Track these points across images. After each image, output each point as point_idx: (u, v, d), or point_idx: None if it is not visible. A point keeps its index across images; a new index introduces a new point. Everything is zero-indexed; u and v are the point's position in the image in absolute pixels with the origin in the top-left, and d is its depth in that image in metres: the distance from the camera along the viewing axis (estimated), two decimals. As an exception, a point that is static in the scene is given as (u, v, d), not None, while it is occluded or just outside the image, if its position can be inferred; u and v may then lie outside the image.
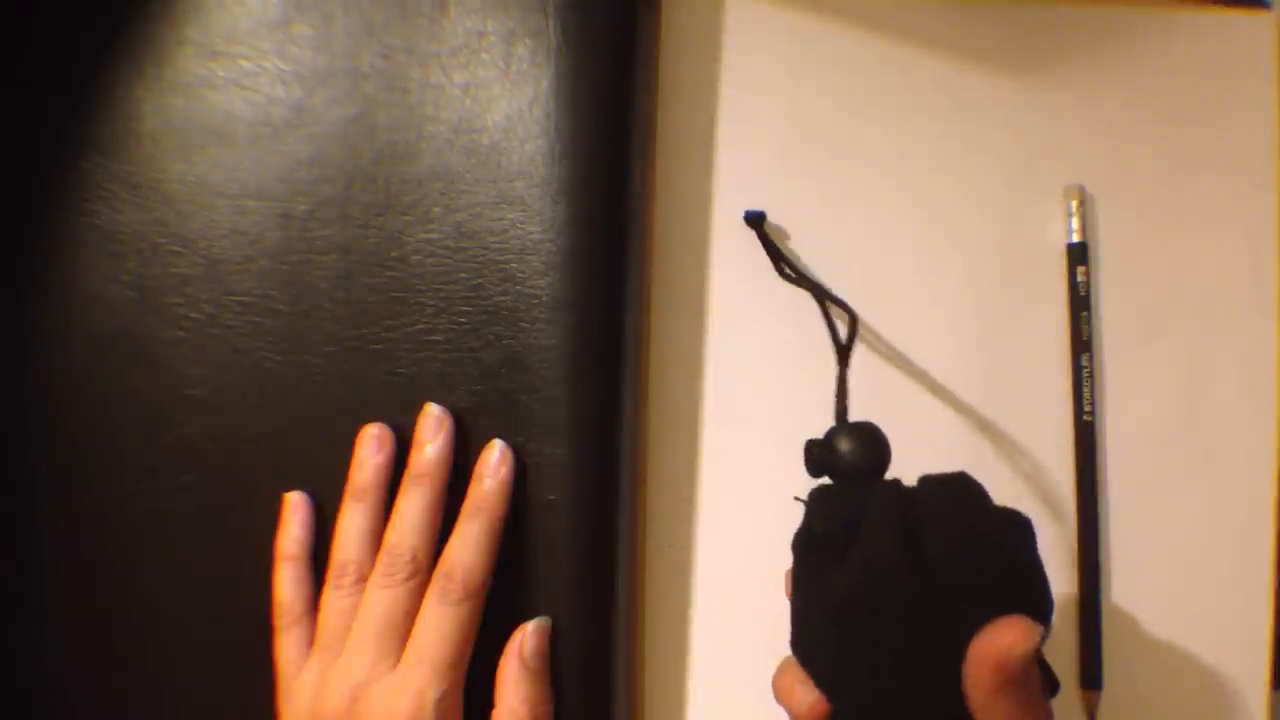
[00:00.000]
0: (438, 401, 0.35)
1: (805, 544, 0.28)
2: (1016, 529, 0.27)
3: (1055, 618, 0.37)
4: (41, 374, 0.36)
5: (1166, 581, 0.37)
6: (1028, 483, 0.37)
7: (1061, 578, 0.37)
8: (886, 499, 0.27)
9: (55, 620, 0.36)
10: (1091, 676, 0.37)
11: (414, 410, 0.35)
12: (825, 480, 0.29)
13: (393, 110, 0.36)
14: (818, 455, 0.29)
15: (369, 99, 0.36)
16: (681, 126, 0.38)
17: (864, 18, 0.38)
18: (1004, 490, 0.37)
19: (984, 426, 0.37)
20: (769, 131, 0.38)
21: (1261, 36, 0.38)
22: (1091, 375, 0.37)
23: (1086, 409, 0.37)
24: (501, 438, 0.35)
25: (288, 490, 0.35)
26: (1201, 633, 0.37)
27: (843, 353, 0.32)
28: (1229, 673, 0.37)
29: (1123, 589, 0.37)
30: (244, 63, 0.37)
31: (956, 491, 0.27)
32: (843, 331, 0.33)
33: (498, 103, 0.36)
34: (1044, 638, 0.25)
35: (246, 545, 0.36)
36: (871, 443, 0.29)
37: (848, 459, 0.29)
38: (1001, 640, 0.24)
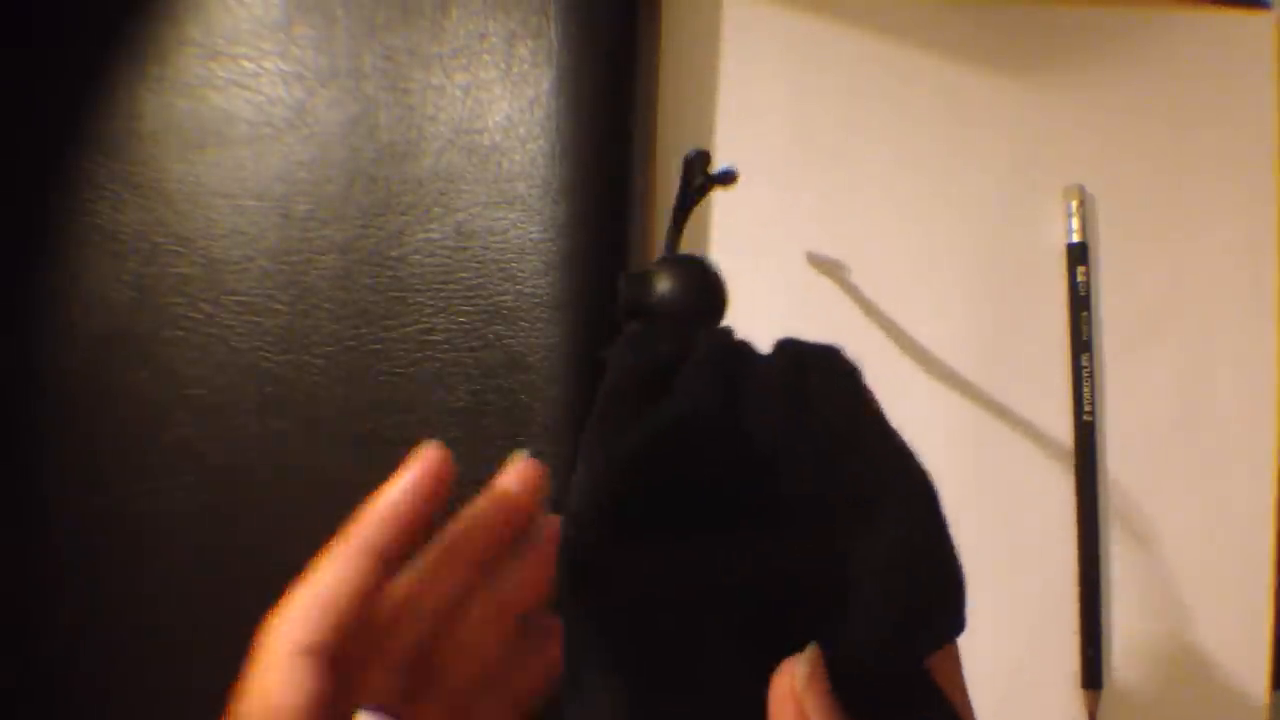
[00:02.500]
0: (437, 402, 0.35)
1: (600, 404, 0.21)
2: (906, 458, 0.21)
3: (1055, 618, 0.37)
4: (43, 374, 0.37)
5: (1166, 581, 0.37)
6: (1028, 483, 0.37)
7: (1061, 577, 0.37)
8: (716, 348, 0.21)
9: (55, 619, 0.36)
10: (1091, 676, 0.36)
11: (414, 410, 0.35)
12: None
13: (394, 111, 0.36)
14: (630, 292, 0.23)
15: (370, 99, 0.36)
16: (681, 126, 0.38)
17: (864, 18, 0.38)
18: (1004, 490, 0.37)
19: (984, 426, 0.37)
20: (769, 131, 0.38)
21: (1261, 36, 0.38)
22: (1091, 375, 0.37)
23: (1086, 409, 0.37)
24: (501, 438, 0.35)
25: (287, 490, 0.35)
26: (1201, 633, 0.37)
27: (686, 190, 0.25)
28: (1229, 673, 0.37)
29: (1123, 589, 0.37)
30: (245, 63, 0.37)
31: (827, 367, 0.22)
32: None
33: (498, 103, 0.36)
34: (943, 637, 0.21)
35: (246, 545, 0.36)
36: (699, 282, 0.23)
37: (667, 299, 0.22)
38: (788, 673, 0.20)
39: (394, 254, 0.36)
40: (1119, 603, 0.37)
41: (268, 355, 0.36)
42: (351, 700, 0.23)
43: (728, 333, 0.22)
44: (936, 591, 0.21)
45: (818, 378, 0.21)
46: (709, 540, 0.20)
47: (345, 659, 0.22)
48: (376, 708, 0.23)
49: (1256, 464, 0.37)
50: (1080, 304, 0.37)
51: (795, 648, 0.19)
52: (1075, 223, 0.37)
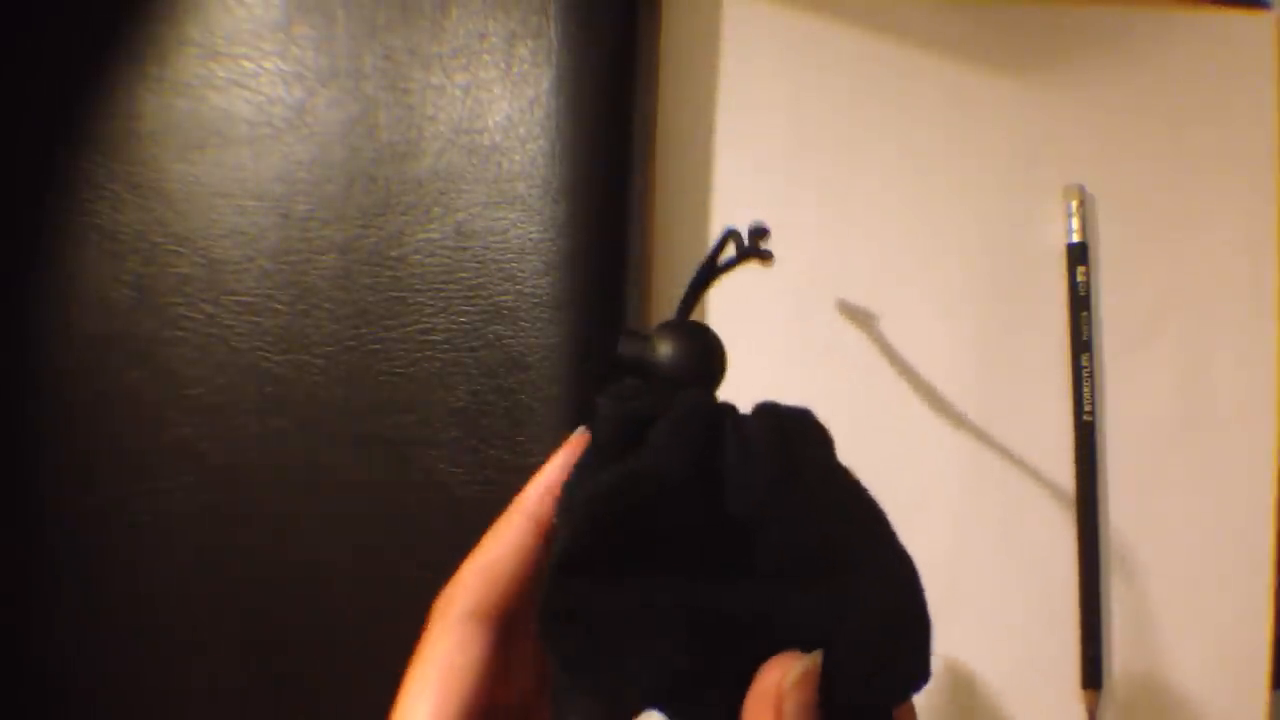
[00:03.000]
0: (437, 402, 0.35)
1: (581, 456, 0.22)
2: (881, 524, 0.22)
3: (1055, 618, 0.37)
4: (42, 374, 0.36)
5: (1166, 581, 0.37)
6: (1028, 483, 0.37)
7: (1062, 577, 0.37)
8: (694, 406, 0.22)
9: (55, 619, 0.36)
10: (1091, 676, 0.36)
11: (414, 410, 0.35)
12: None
13: (394, 110, 0.36)
14: (628, 350, 0.23)
15: (370, 99, 0.36)
16: (681, 126, 0.38)
17: (864, 18, 0.38)
18: (1004, 490, 0.37)
19: (984, 427, 0.37)
20: (769, 131, 0.38)
21: (1261, 36, 0.38)
22: (1091, 375, 0.37)
23: (1086, 409, 0.37)
24: (501, 438, 0.35)
25: (287, 490, 0.35)
26: (1201, 633, 0.37)
27: (713, 264, 0.25)
28: (1229, 673, 0.37)
29: (1123, 589, 0.37)
30: (245, 63, 0.37)
31: (800, 429, 0.22)
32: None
33: (498, 103, 0.36)
34: (912, 688, 0.21)
35: (246, 545, 0.36)
36: (701, 348, 0.23)
37: (666, 364, 0.23)
38: (779, 668, 0.20)
39: (394, 254, 0.36)
40: (1119, 602, 0.37)
41: (268, 355, 0.36)
42: (518, 661, 0.23)
43: (709, 395, 0.23)
44: (914, 647, 0.21)
45: (798, 442, 0.22)
46: (683, 587, 0.20)
47: (513, 622, 0.22)
48: None
49: (1256, 464, 0.37)
50: (1080, 304, 0.37)
51: None
52: (1075, 223, 0.37)
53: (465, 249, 0.35)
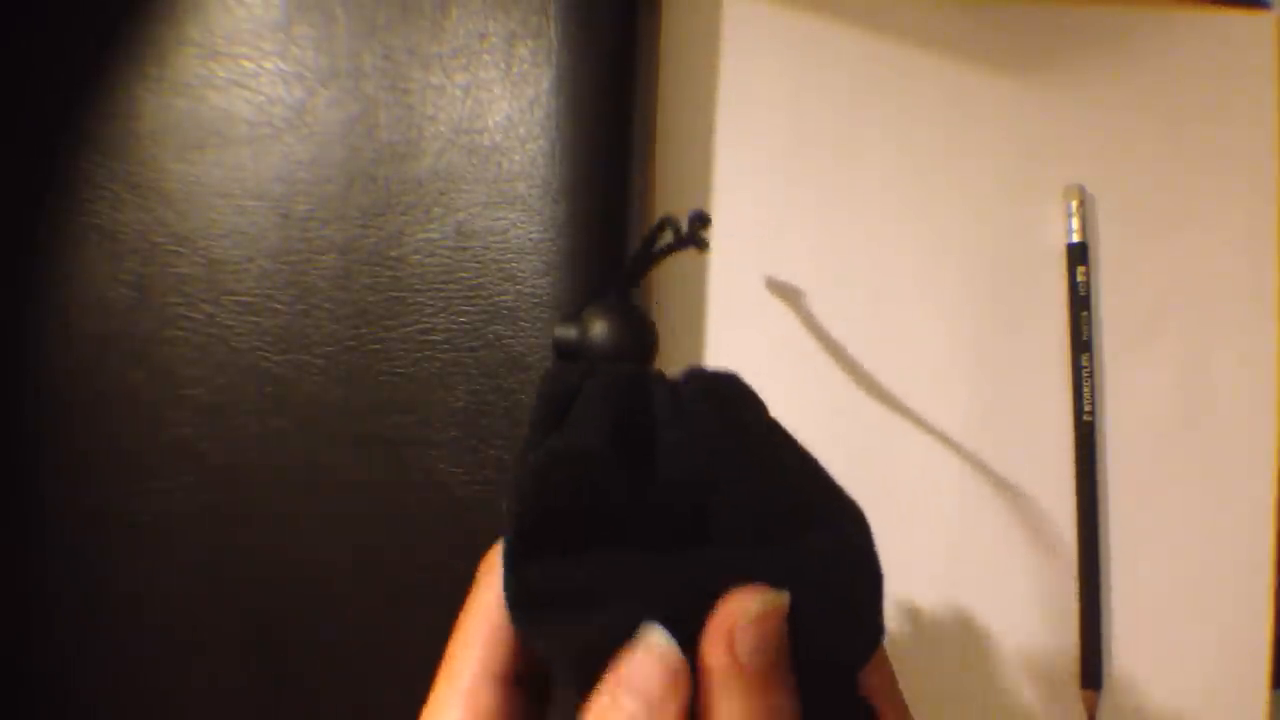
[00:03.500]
0: (438, 402, 0.35)
1: (523, 440, 0.22)
2: (824, 479, 0.21)
3: (1055, 618, 0.37)
4: (41, 374, 0.36)
5: (1166, 581, 0.37)
6: (1028, 483, 0.37)
7: (1062, 578, 0.37)
8: (612, 376, 0.22)
9: (54, 620, 0.36)
10: (1091, 676, 0.36)
11: (414, 410, 0.35)
12: None
13: (393, 110, 0.36)
14: (563, 334, 0.24)
15: (370, 99, 0.36)
16: (681, 126, 0.38)
17: (864, 18, 0.38)
18: (1004, 490, 0.37)
19: (984, 427, 0.37)
20: (769, 131, 0.38)
21: (1261, 36, 0.38)
22: (1091, 375, 0.37)
23: (1086, 409, 0.37)
24: (501, 438, 0.35)
25: (287, 490, 0.35)
26: (1201, 633, 0.37)
27: (650, 245, 0.26)
28: (1229, 673, 0.37)
29: (1123, 589, 0.37)
30: (245, 63, 0.37)
31: (733, 392, 0.22)
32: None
33: (498, 103, 0.36)
34: (863, 653, 0.20)
35: (246, 545, 0.36)
36: (631, 325, 0.23)
37: (599, 343, 0.23)
38: (732, 608, 0.19)
39: (394, 254, 0.36)
40: (1119, 602, 0.37)
41: (268, 355, 0.36)
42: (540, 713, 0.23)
43: (632, 367, 0.23)
44: (872, 601, 0.21)
45: (734, 404, 0.22)
46: (625, 561, 0.20)
47: (530, 676, 0.22)
48: None
49: (1256, 464, 0.37)
50: (1080, 304, 0.37)
51: None
52: (1075, 223, 0.37)
53: (465, 249, 0.35)
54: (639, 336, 0.23)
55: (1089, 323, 0.37)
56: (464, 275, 0.35)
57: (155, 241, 0.36)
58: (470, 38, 0.36)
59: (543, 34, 0.35)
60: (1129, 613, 0.37)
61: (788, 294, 0.37)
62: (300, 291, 0.36)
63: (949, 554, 0.37)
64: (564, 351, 0.24)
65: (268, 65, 0.36)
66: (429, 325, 0.35)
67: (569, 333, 0.24)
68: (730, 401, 0.22)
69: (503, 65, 0.36)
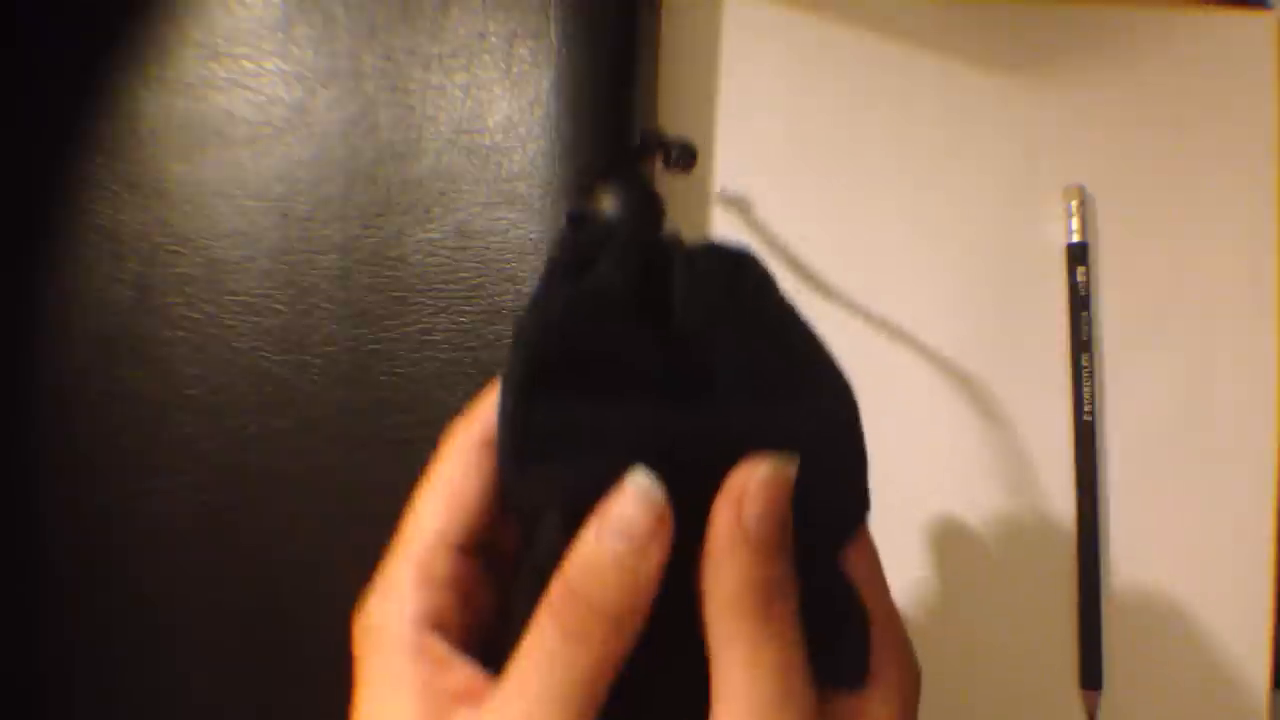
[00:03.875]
0: (438, 402, 0.35)
1: (536, 291, 0.22)
2: (825, 353, 0.22)
3: (1055, 618, 0.37)
4: (41, 374, 0.37)
5: (1166, 581, 0.37)
6: (1028, 483, 0.37)
7: (1061, 577, 0.37)
8: (636, 233, 0.23)
9: (55, 620, 0.36)
10: (1091, 676, 0.36)
11: (414, 410, 0.35)
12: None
13: (394, 111, 0.36)
14: (579, 209, 0.24)
15: (370, 99, 0.36)
16: (681, 127, 0.38)
17: (864, 18, 0.38)
18: (1004, 490, 0.37)
19: (984, 426, 0.37)
20: (769, 131, 0.38)
21: (1261, 36, 0.38)
22: (1091, 375, 0.37)
23: (1086, 409, 0.37)
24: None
25: (287, 490, 0.35)
26: (1201, 633, 0.37)
27: (640, 149, 0.27)
28: (1229, 673, 0.37)
29: (1123, 589, 0.37)
30: (246, 63, 0.37)
31: (746, 261, 0.23)
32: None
33: (498, 103, 0.36)
34: (858, 517, 0.21)
35: (246, 545, 0.36)
36: (642, 199, 0.24)
37: (611, 215, 0.24)
38: (742, 472, 0.19)
39: (394, 254, 0.36)
40: (1119, 603, 0.37)
41: (268, 355, 0.36)
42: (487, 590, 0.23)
43: (651, 232, 0.24)
44: (859, 475, 0.22)
45: (749, 271, 0.23)
46: (635, 407, 0.20)
47: (484, 546, 0.22)
48: None
49: (1256, 464, 0.37)
50: (1080, 304, 0.37)
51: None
52: (1075, 223, 0.37)
53: (465, 249, 0.35)
54: (651, 208, 0.24)
55: (1089, 323, 0.37)
56: (464, 275, 0.35)
57: (156, 241, 0.36)
58: (470, 38, 0.36)
59: (543, 34, 0.35)
60: (1129, 613, 0.37)
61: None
62: (300, 291, 0.36)
63: (949, 553, 0.37)
64: (579, 225, 0.25)
65: (268, 65, 0.36)
66: (429, 325, 0.35)
67: (581, 208, 0.24)
68: (743, 269, 0.23)
69: (503, 65, 0.36)
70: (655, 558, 0.19)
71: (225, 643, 0.36)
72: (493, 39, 0.36)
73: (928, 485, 0.37)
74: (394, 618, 0.21)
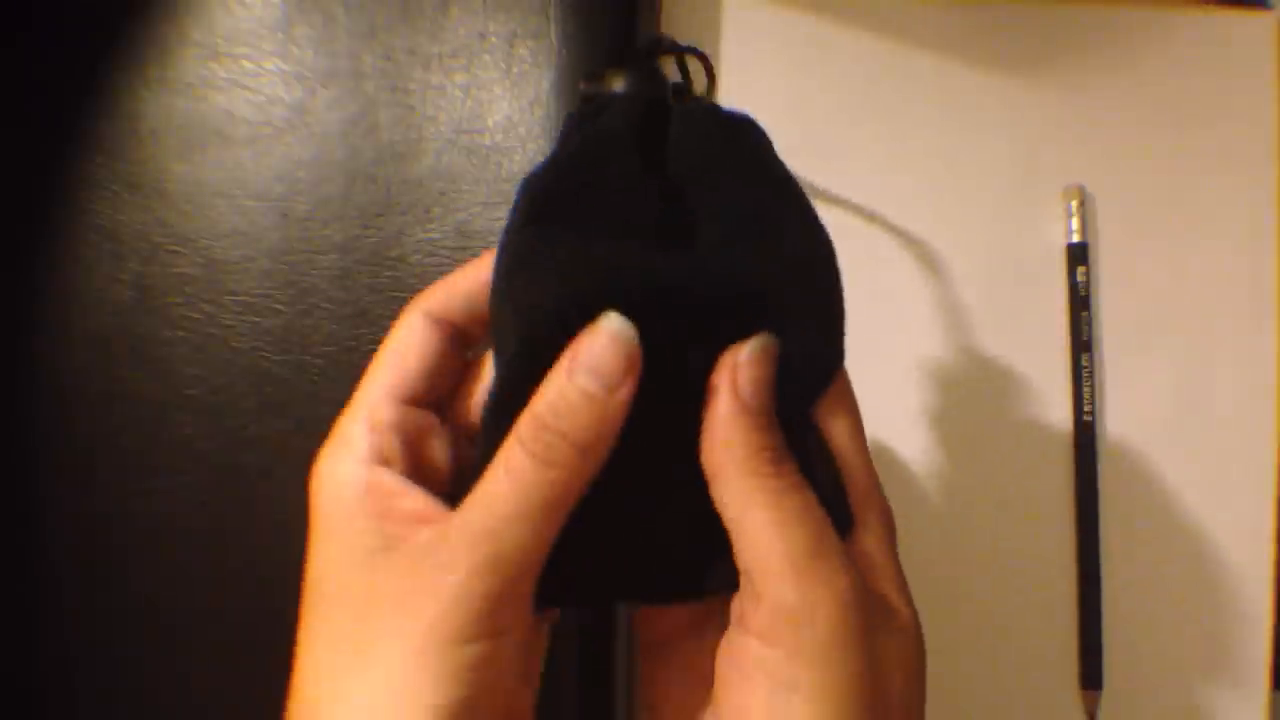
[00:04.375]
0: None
1: (553, 150, 0.24)
2: (807, 207, 0.23)
3: (1055, 618, 0.37)
4: (41, 374, 0.36)
5: (1166, 581, 0.37)
6: (1028, 483, 0.37)
7: (1061, 577, 0.37)
8: (639, 89, 0.24)
9: (54, 619, 0.36)
10: (1091, 676, 0.36)
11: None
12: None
13: (394, 111, 0.36)
14: (589, 89, 0.26)
15: (370, 99, 0.36)
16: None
17: (864, 18, 0.38)
18: (1004, 490, 0.37)
19: (984, 426, 0.37)
20: (768, 131, 0.38)
21: (1261, 36, 0.38)
22: (1091, 375, 0.37)
23: (1086, 409, 0.37)
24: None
25: (287, 490, 0.35)
26: (1201, 633, 0.37)
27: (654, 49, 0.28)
28: (1229, 673, 0.37)
29: (1123, 589, 0.37)
30: (246, 63, 0.37)
31: (741, 119, 0.24)
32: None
33: (499, 104, 0.36)
34: (833, 367, 0.22)
35: (246, 545, 0.36)
36: (650, 77, 0.25)
37: (619, 90, 0.25)
38: (729, 354, 0.21)
39: (394, 254, 0.36)
40: (1119, 603, 0.37)
41: (268, 355, 0.36)
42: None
43: (653, 94, 0.25)
44: (832, 316, 0.23)
45: (740, 124, 0.24)
46: (621, 243, 0.21)
47: (461, 334, 0.24)
48: None
49: (1256, 464, 0.37)
50: (1080, 304, 0.37)
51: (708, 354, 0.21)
52: (1075, 223, 0.37)
53: (465, 249, 0.35)
54: (655, 79, 0.25)
55: (1089, 323, 0.37)
56: (464, 275, 0.35)
57: (155, 241, 0.36)
58: (470, 38, 0.36)
59: (543, 34, 0.35)
60: (1129, 612, 0.37)
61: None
62: (300, 291, 0.36)
63: (949, 552, 0.37)
64: (589, 101, 0.26)
65: (268, 65, 0.36)
66: (429, 325, 0.35)
67: (593, 88, 0.25)
68: (735, 126, 0.24)
69: (503, 65, 0.36)
70: (623, 395, 0.20)
71: (225, 643, 0.36)
72: (493, 39, 0.36)
73: (927, 484, 0.37)
74: (344, 460, 0.22)
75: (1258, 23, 0.38)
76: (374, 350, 0.35)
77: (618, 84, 0.25)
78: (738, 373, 0.20)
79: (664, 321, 0.21)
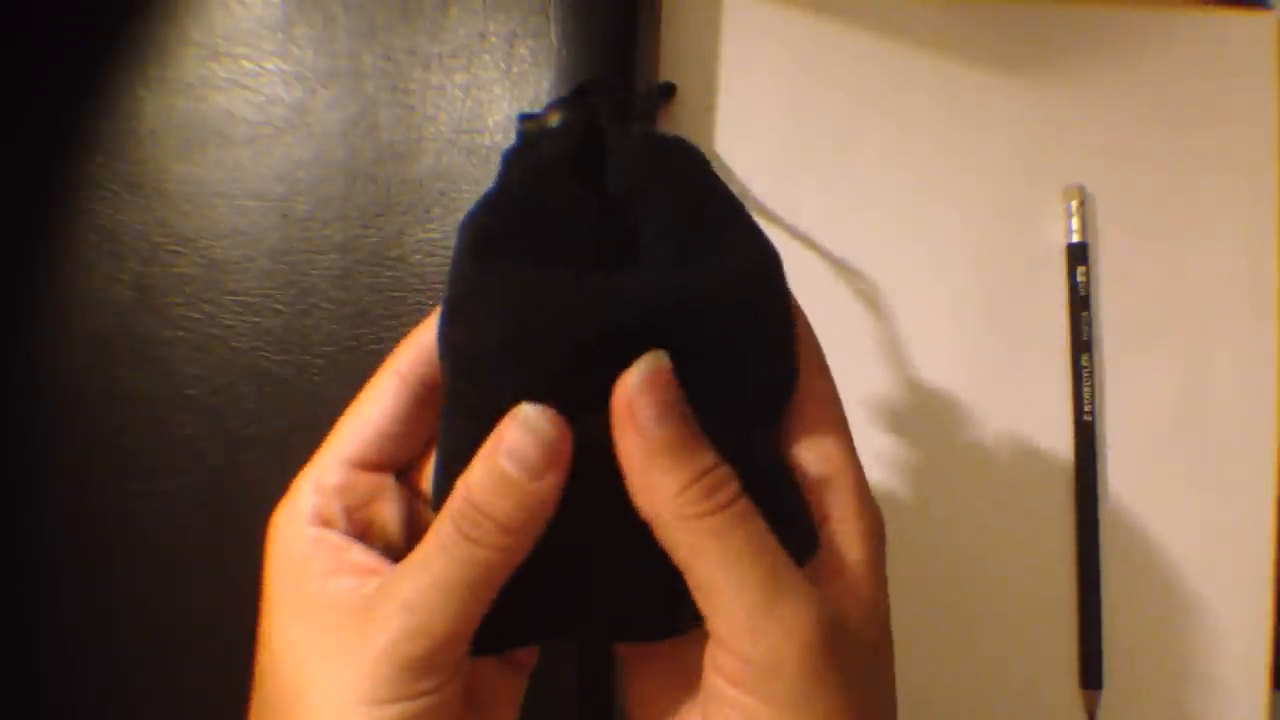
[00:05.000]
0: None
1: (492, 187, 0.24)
2: (746, 219, 0.23)
3: (1055, 618, 0.37)
4: (41, 374, 0.36)
5: (1166, 581, 0.37)
6: (1028, 483, 0.37)
7: (1061, 577, 0.37)
8: (576, 117, 0.24)
9: (54, 619, 0.36)
10: (1091, 676, 0.36)
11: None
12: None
13: (394, 110, 0.36)
14: (528, 127, 0.25)
15: (370, 99, 0.36)
16: (681, 127, 0.38)
17: (864, 18, 0.38)
18: (1004, 490, 0.37)
19: (984, 426, 0.37)
20: (769, 131, 0.38)
21: (1261, 36, 0.38)
22: (1091, 375, 0.37)
23: (1086, 409, 0.37)
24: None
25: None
26: (1201, 633, 0.37)
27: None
28: (1229, 673, 0.37)
29: (1123, 589, 0.37)
30: (246, 63, 0.37)
31: (677, 143, 0.24)
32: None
33: (498, 103, 0.36)
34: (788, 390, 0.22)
35: (246, 545, 0.35)
36: (586, 115, 0.25)
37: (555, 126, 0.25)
38: (623, 381, 0.19)
39: (394, 254, 0.36)
40: (1119, 603, 0.37)
41: (268, 355, 0.36)
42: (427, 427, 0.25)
43: (590, 122, 0.25)
44: (778, 333, 0.22)
45: (676, 146, 0.24)
46: (558, 270, 0.21)
47: (426, 390, 0.24)
48: None
49: (1256, 464, 0.37)
50: (1080, 304, 0.37)
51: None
52: (1075, 223, 0.37)
53: (465, 249, 0.35)
54: (588, 109, 0.25)
55: (1089, 323, 0.37)
56: (464, 275, 0.35)
57: (155, 241, 0.36)
58: (470, 38, 0.36)
59: (543, 34, 0.35)
60: (1129, 612, 0.37)
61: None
62: (300, 291, 0.36)
63: (949, 552, 0.37)
64: (527, 136, 0.26)
65: (268, 65, 0.36)
66: (429, 325, 0.35)
67: (530, 124, 0.26)
68: (670, 148, 0.24)
69: (503, 65, 0.36)
70: (550, 483, 0.20)
71: (224, 643, 0.36)
72: (493, 39, 0.36)
73: (928, 484, 0.37)
74: (292, 519, 0.23)
75: (1258, 23, 0.38)
76: (374, 350, 0.35)
77: (554, 119, 0.25)
78: (635, 407, 0.19)
79: (606, 349, 0.20)
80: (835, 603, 0.20)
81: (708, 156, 0.25)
